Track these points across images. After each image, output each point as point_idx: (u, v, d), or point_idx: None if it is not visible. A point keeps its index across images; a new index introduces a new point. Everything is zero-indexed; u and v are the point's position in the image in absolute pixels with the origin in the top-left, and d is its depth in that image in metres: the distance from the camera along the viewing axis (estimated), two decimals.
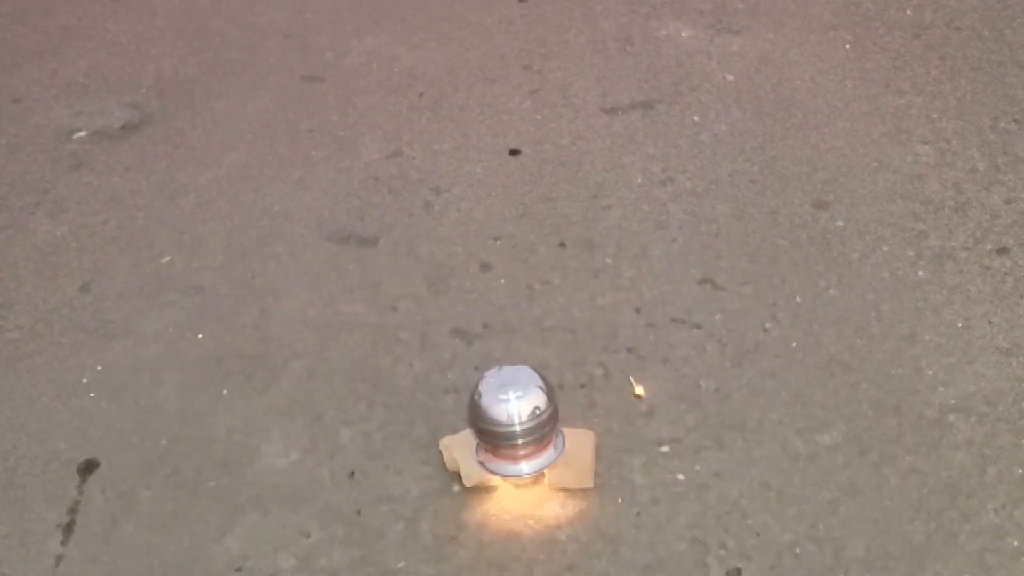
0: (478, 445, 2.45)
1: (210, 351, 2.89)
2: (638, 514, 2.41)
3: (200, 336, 2.94)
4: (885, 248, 3.06)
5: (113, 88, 4.00)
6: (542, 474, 2.45)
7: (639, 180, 3.38)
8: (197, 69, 4.09)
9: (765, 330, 2.84)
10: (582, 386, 2.72)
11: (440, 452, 2.54)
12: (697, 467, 2.51)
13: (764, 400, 2.66)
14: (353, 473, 2.54)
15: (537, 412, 2.36)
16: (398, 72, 3.99)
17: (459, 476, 2.47)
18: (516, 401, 2.35)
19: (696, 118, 3.64)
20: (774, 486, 2.45)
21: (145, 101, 3.91)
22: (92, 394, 2.79)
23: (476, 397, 2.39)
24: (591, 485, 2.46)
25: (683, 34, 4.06)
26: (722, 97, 3.74)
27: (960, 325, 2.81)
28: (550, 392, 2.40)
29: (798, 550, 2.32)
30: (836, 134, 3.52)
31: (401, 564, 2.34)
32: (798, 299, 2.93)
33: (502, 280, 3.06)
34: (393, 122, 3.74)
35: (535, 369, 2.44)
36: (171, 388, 2.79)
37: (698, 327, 2.87)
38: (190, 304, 3.05)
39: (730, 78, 3.82)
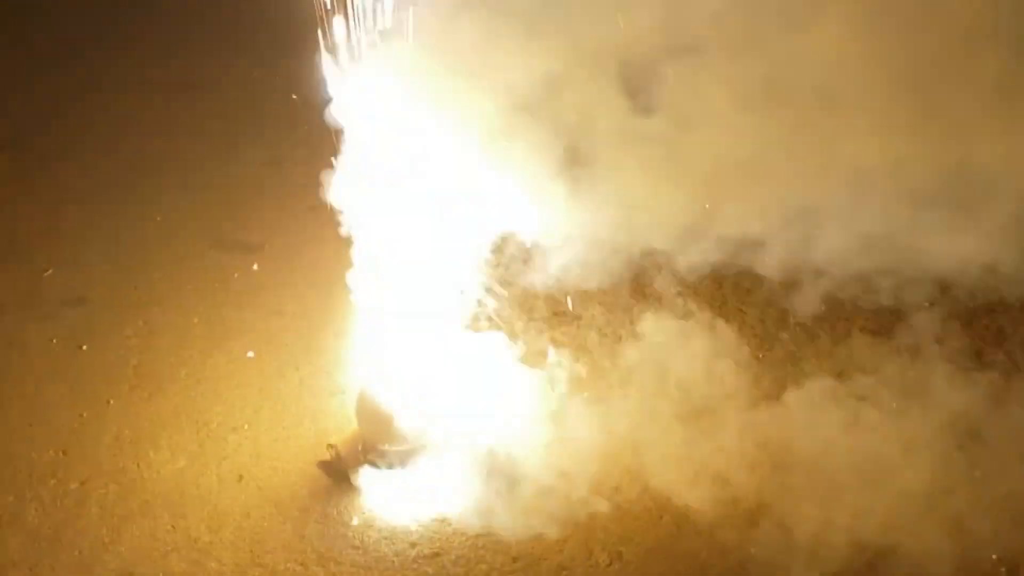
0: (366, 444, 2.53)
1: (95, 362, 2.90)
2: None
3: (84, 347, 2.95)
4: None
5: None
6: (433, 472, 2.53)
7: None
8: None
9: None
10: None
11: (327, 453, 2.60)
12: None
13: None
14: (241, 476, 2.58)
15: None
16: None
17: (347, 476, 2.53)
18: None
19: None
20: None
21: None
22: None
23: (363, 398, 2.48)
24: None
25: None
26: None
27: None
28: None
29: None
30: None
31: (290, 565, 2.40)
32: None
33: None
34: (274, 131, 3.75)
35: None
36: (57, 400, 2.80)
37: None
38: (73, 316, 3.05)
39: None
